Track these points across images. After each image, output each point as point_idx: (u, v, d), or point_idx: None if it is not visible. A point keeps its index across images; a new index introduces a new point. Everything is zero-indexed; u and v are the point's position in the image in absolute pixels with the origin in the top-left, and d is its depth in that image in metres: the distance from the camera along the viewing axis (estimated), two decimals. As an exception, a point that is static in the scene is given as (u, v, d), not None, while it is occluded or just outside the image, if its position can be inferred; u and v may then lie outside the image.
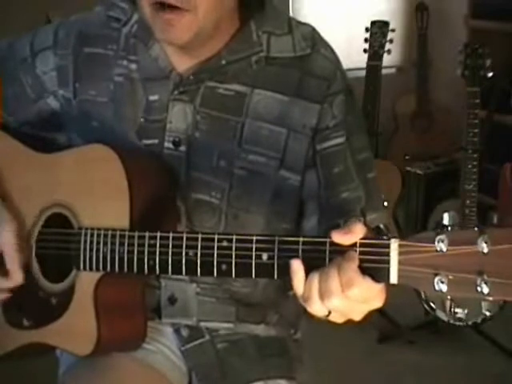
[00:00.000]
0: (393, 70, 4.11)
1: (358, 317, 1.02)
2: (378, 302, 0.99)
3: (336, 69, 1.27)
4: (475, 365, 2.73)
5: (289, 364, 1.39)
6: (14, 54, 1.39)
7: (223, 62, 1.25)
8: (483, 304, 0.87)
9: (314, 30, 1.30)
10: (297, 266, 1.00)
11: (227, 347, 1.35)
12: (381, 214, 1.32)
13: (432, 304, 2.73)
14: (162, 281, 1.30)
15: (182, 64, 1.27)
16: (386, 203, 3.11)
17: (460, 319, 2.71)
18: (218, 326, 1.34)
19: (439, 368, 2.71)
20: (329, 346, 2.75)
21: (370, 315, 1.03)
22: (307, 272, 1.00)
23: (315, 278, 0.98)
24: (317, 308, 0.99)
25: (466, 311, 2.69)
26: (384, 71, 3.18)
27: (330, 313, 1.00)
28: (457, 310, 2.69)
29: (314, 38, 1.28)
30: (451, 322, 2.73)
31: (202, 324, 1.34)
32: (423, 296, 2.72)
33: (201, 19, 1.17)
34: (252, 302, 1.34)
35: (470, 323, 2.72)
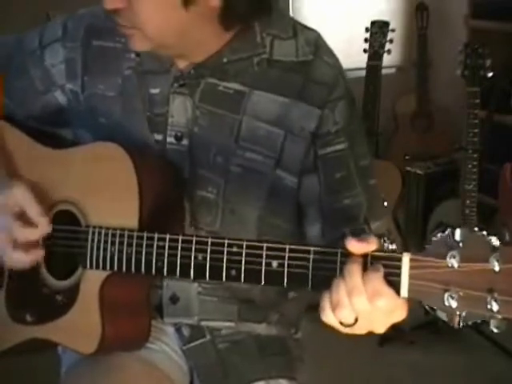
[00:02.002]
0: (393, 70, 4.10)
1: (380, 329, 1.01)
2: (400, 314, 0.99)
3: (338, 76, 1.27)
4: (475, 365, 2.73)
5: (290, 364, 1.40)
6: (22, 47, 1.39)
7: (224, 60, 1.25)
8: (491, 322, 0.88)
9: (318, 35, 1.30)
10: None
11: (228, 347, 1.35)
12: (383, 222, 1.32)
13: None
14: (164, 280, 1.31)
15: (183, 60, 1.27)
16: (385, 203, 3.11)
17: (460, 319, 2.71)
18: (220, 326, 1.34)
19: (439, 368, 2.71)
20: (330, 347, 2.74)
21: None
22: (318, 283, 1.00)
23: (339, 280, 0.98)
24: (347, 313, 0.98)
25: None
26: (384, 71, 3.18)
27: (356, 320, 0.98)
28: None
29: (317, 44, 1.28)
30: (451, 322, 2.72)
31: (204, 323, 1.34)
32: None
33: (152, 36, 1.18)
34: (252, 300, 1.34)
35: (470, 323, 2.71)
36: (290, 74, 1.25)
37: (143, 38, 1.19)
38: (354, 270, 0.97)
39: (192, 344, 1.35)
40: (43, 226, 1.23)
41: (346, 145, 1.27)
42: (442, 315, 3.08)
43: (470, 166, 2.70)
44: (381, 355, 2.81)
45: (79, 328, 1.22)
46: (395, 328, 2.97)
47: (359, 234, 1.00)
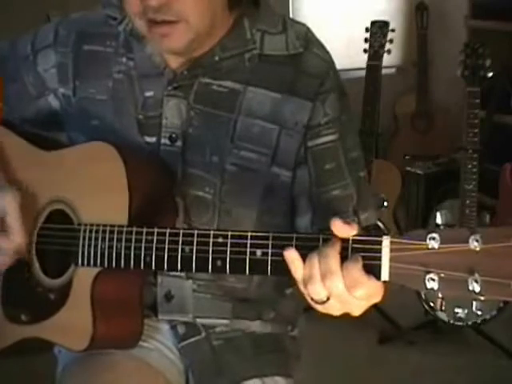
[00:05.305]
0: (393, 70, 4.11)
1: (357, 312, 1.02)
2: (377, 297, 0.99)
3: (329, 68, 1.28)
4: (475, 365, 2.72)
5: (285, 361, 1.40)
6: (15, 53, 1.40)
7: (216, 58, 1.26)
8: (474, 303, 0.87)
9: (308, 29, 1.31)
10: (290, 256, 1.00)
11: (223, 344, 1.36)
12: (372, 213, 1.33)
13: (432, 304, 2.73)
14: (158, 277, 1.31)
15: (176, 60, 1.28)
16: (386, 203, 3.11)
17: (460, 319, 2.71)
18: (214, 323, 1.35)
19: (439, 368, 2.70)
20: (329, 347, 2.75)
21: (368, 312, 1.03)
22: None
23: (315, 258, 0.98)
24: (317, 289, 0.98)
25: (466, 311, 2.68)
26: (384, 71, 3.18)
27: (328, 299, 0.99)
28: (457, 309, 2.69)
29: (307, 38, 1.28)
30: (451, 321, 2.73)
31: (199, 321, 1.34)
32: (423, 296, 2.72)
33: (194, 27, 1.19)
34: (247, 298, 1.35)
35: (470, 323, 2.72)
36: (281, 68, 1.26)
37: (186, 31, 1.18)
38: (328, 253, 0.97)
39: (187, 341, 1.36)
40: (17, 239, 1.24)
41: (336, 136, 1.27)
42: (442, 315, 3.07)
43: (470, 166, 2.69)
44: (381, 355, 2.81)
45: (71, 325, 1.22)
46: (395, 328, 2.97)
47: None
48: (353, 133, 1.33)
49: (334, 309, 1.01)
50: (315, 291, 0.99)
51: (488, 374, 2.68)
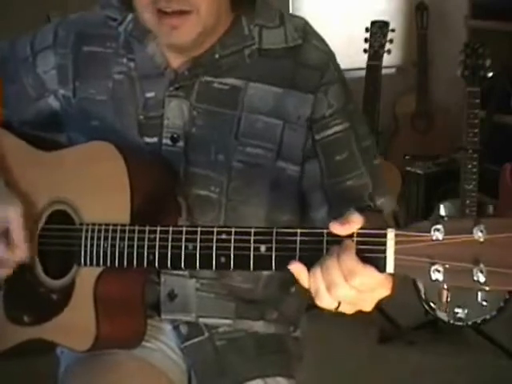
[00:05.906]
0: (393, 70, 4.11)
1: (368, 307, 1.01)
2: (385, 290, 0.98)
3: (328, 59, 1.29)
4: (475, 365, 2.72)
5: (287, 362, 1.40)
6: (15, 54, 1.40)
7: (216, 56, 1.26)
8: (479, 294, 0.85)
9: (306, 22, 1.31)
10: (296, 268, 1.00)
11: (226, 345, 1.35)
12: (389, 198, 1.32)
13: (432, 304, 2.73)
14: (161, 276, 1.31)
15: (177, 60, 1.28)
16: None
17: (460, 319, 2.71)
18: (217, 323, 1.35)
19: (439, 368, 2.71)
20: (329, 347, 2.75)
21: (371, 312, 1.03)
22: (307, 264, 1.01)
23: (317, 272, 0.98)
24: (327, 301, 0.99)
25: (466, 311, 2.69)
26: (384, 71, 3.19)
27: (339, 304, 0.99)
28: (457, 309, 2.69)
29: (305, 30, 1.29)
30: (451, 321, 2.73)
31: (201, 320, 1.34)
32: (423, 296, 2.72)
33: (203, 18, 1.19)
34: (252, 299, 1.34)
35: (470, 323, 2.72)
36: (281, 61, 1.27)
37: (197, 23, 1.19)
38: (329, 265, 0.97)
39: (190, 342, 1.35)
40: (21, 253, 1.25)
41: (344, 126, 1.27)
42: (442, 315, 3.06)
43: (469, 166, 2.69)
44: (381, 355, 2.81)
45: (74, 326, 1.22)
46: (395, 328, 2.96)
47: (364, 211, 1.00)
48: (362, 121, 1.33)
49: (346, 310, 1.01)
50: (324, 303, 0.99)
51: (488, 374, 2.68)
